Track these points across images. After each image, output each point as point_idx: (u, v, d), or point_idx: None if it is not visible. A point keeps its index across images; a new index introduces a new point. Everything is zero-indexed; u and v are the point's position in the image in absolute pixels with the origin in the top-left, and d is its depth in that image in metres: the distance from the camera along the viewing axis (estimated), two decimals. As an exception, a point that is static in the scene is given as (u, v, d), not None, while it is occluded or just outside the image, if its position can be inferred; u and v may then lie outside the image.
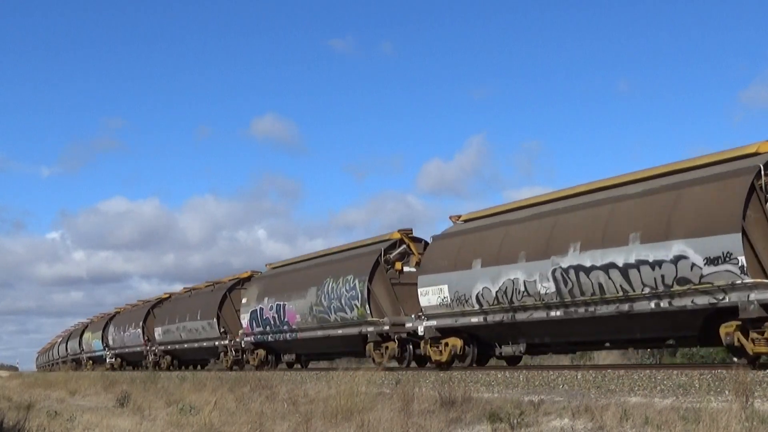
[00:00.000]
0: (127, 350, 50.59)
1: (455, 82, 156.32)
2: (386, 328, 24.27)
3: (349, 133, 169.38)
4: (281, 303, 29.59)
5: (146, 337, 46.04)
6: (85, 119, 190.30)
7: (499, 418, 12.05)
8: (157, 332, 43.58)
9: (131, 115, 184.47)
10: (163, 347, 43.52)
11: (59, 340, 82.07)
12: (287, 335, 29.43)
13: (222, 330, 35.61)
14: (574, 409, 12.15)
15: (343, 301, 25.80)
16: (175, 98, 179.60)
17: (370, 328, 24.76)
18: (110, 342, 54.04)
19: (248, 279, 35.70)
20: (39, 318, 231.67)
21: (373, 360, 25.14)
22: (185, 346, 40.38)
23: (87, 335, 62.43)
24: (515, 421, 11.80)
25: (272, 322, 30.24)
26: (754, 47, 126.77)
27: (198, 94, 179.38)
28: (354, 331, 25.63)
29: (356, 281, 25.25)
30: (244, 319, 32.44)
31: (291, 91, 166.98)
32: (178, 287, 54.29)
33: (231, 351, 34.65)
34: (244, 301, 32.80)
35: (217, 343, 35.92)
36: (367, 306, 24.71)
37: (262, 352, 32.19)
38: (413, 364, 24.95)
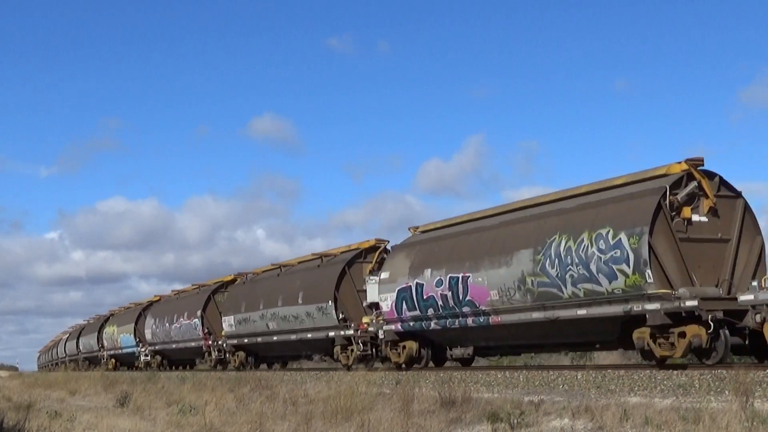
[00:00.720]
0: (175, 346, 42.52)
1: (453, 81, 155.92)
2: (689, 303, 16.31)
3: (348, 133, 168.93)
4: (459, 275, 21.52)
5: (206, 329, 38.23)
6: (83, 119, 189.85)
7: (499, 418, 12.04)
8: (226, 322, 35.17)
9: (130, 115, 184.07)
10: (234, 341, 34.94)
11: (65, 337, 77.01)
12: (469, 320, 21.42)
13: (341, 316, 27.30)
14: (574, 409, 12.14)
15: (593, 267, 17.87)
16: (173, 98, 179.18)
17: (652, 306, 16.82)
18: (148, 336, 46.00)
19: (372, 249, 27.98)
20: (38, 318, 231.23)
21: (650, 355, 17.73)
22: (274, 338, 31.59)
23: (110, 329, 54.83)
24: (515, 421, 11.80)
25: (441, 303, 22.15)
26: (754, 47, 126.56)
27: (196, 94, 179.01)
28: (615, 310, 17.65)
29: (622, 236, 17.36)
30: (386, 301, 24.18)
31: (289, 90, 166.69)
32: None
33: (358, 344, 26.32)
34: (383, 276, 24.73)
35: (332, 333, 27.49)
36: (648, 272, 16.78)
37: (412, 345, 23.77)
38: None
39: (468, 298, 21.23)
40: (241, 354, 34.96)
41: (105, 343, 55.92)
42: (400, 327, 23.81)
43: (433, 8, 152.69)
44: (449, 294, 21.78)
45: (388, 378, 19.21)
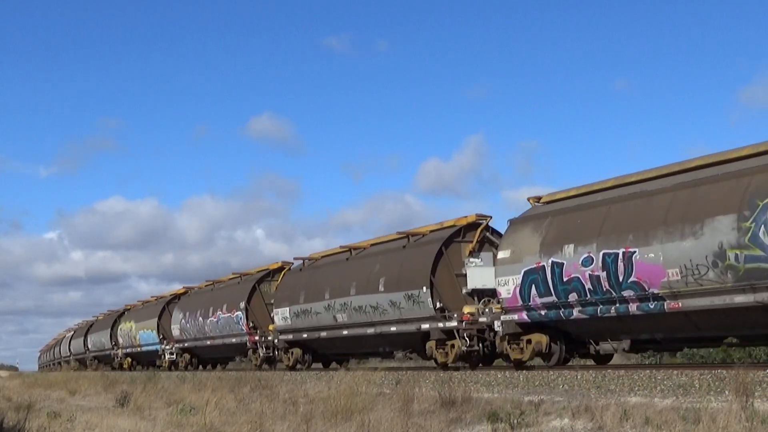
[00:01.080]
0: (210, 343, 38.15)
1: (452, 81, 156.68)
2: None
3: (347, 133, 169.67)
4: (619, 251, 17.51)
5: (251, 324, 34.08)
6: (82, 119, 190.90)
7: (499, 418, 12.05)
8: (279, 315, 30.89)
9: (128, 115, 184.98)
10: (288, 336, 30.60)
11: (70, 335, 73.72)
12: (633, 306, 17.45)
13: (438, 305, 22.96)
14: (574, 409, 12.15)
15: None
16: (172, 98, 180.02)
17: None
18: (175, 333, 41.82)
19: (471, 227, 23.67)
20: (38, 318, 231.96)
21: None
22: (343, 333, 26.93)
23: (126, 325, 50.32)
24: (515, 421, 11.81)
25: (590, 286, 18.13)
26: (753, 47, 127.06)
27: (195, 94, 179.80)
28: None
29: None
30: (506, 285, 20.22)
31: (288, 90, 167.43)
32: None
33: (463, 338, 22.08)
34: (502, 255, 20.67)
35: (426, 326, 23.24)
36: None
37: (541, 339, 19.78)
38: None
39: (632, 279, 17.29)
40: (297, 351, 30.78)
41: (120, 341, 52.02)
42: (525, 317, 19.85)
43: (431, 8, 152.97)
44: (603, 275, 17.81)
45: (388, 378, 19.22)
